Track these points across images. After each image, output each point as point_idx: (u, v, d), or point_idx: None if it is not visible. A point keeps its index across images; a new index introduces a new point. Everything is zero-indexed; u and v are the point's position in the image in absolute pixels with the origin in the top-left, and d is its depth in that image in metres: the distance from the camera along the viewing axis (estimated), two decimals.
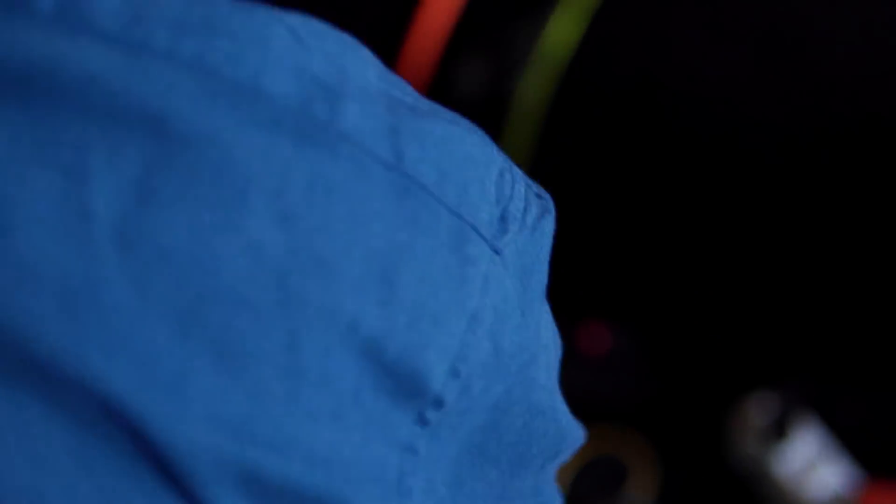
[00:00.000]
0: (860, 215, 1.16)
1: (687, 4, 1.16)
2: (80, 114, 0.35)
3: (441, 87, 1.12)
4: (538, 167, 1.09)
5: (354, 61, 0.40)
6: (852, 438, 1.17)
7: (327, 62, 0.39)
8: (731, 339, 1.17)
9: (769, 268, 1.21)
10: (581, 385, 1.25)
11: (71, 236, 0.34)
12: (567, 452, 0.48)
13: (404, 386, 0.39)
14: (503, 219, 0.41)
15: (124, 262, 0.35)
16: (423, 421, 0.39)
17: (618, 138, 1.21)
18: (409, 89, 0.41)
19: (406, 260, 0.39)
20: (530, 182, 0.44)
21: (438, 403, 0.39)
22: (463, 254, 0.39)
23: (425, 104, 0.41)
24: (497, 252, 0.40)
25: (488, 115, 1.09)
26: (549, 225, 0.44)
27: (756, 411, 1.17)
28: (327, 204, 0.37)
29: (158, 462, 0.36)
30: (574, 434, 0.48)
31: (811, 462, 1.18)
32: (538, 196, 0.43)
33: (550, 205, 0.44)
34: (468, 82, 1.12)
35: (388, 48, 1.09)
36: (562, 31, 1.12)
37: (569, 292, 1.16)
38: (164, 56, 0.37)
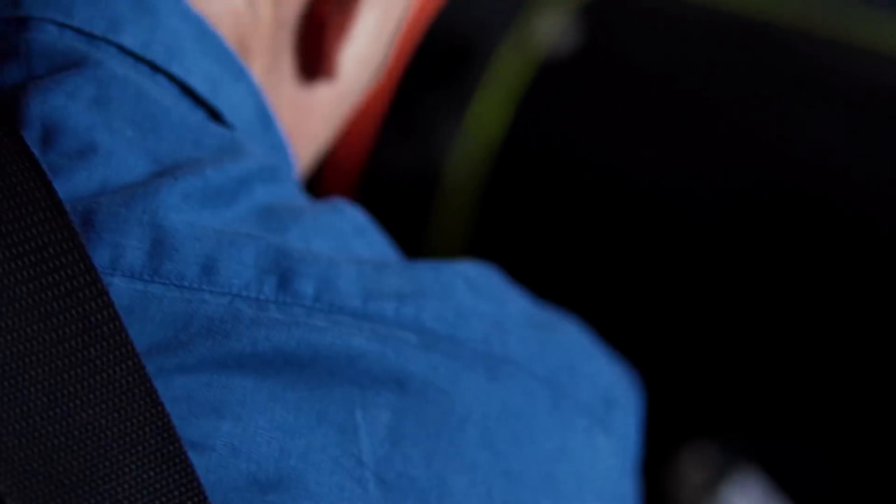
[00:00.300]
0: (794, 272, 1.20)
1: (616, 86, 1.23)
2: (345, 381, 0.45)
3: (373, 169, 1.18)
4: (474, 245, 1.14)
5: (509, 296, 0.51)
6: (794, 492, 1.17)
7: (494, 304, 0.50)
8: (667, 390, 1.19)
9: (706, 318, 1.23)
10: None
11: (351, 481, 0.44)
12: None
13: None
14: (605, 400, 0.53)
15: (386, 498, 0.44)
16: None
17: (552, 213, 1.26)
18: (538, 307, 0.53)
19: (563, 460, 0.49)
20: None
21: None
22: (595, 440, 0.51)
23: (544, 315, 0.53)
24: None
25: (419, 195, 1.15)
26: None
27: (693, 464, 1.17)
28: (515, 424, 0.48)
29: None
30: None
31: None
32: None
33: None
34: (397, 164, 1.17)
35: None
36: (489, 110, 1.17)
37: None
38: (394, 323, 0.47)
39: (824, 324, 1.22)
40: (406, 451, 0.46)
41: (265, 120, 0.52)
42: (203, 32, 0.49)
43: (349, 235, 0.49)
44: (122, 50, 0.47)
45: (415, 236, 1.14)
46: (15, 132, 0.43)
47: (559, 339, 0.52)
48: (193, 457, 0.41)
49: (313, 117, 0.57)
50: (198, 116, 0.48)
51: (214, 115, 0.49)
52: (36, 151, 0.43)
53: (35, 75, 0.46)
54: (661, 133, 1.25)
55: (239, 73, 0.50)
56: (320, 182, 1.13)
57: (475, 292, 0.50)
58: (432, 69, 1.21)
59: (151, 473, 0.41)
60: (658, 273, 1.23)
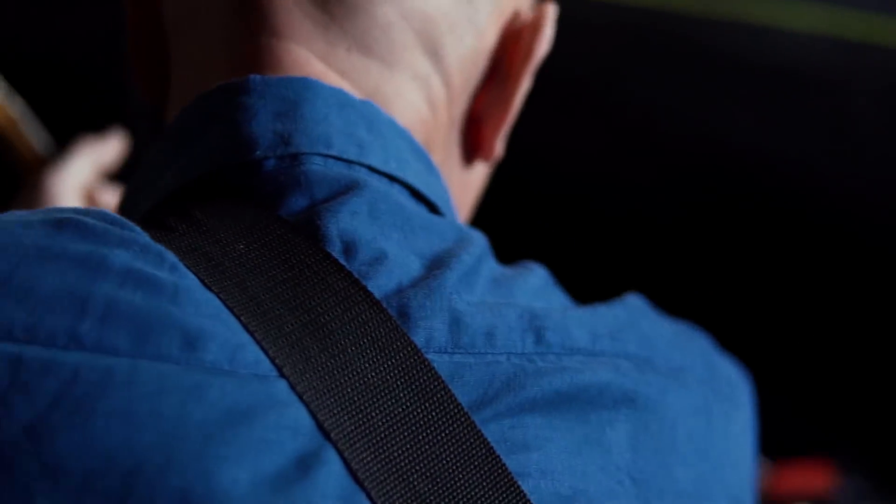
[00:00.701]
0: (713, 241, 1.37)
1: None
2: (597, 407, 0.58)
3: None
4: None
5: (659, 317, 0.66)
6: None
7: (659, 327, 0.65)
8: None
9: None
10: None
11: (615, 483, 0.57)
12: None
13: None
14: None
15: (638, 493, 0.57)
16: None
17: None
18: (671, 320, 0.69)
19: (727, 438, 0.65)
20: None
21: None
22: (733, 420, 0.67)
23: (679, 327, 0.68)
24: None
25: None
26: None
27: None
28: (700, 420, 0.63)
29: None
30: None
31: None
32: None
33: None
34: None
35: None
36: None
37: None
38: (613, 354, 0.60)
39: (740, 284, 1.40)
40: (643, 453, 0.59)
41: (450, 203, 0.64)
42: (410, 142, 0.61)
43: (547, 289, 0.62)
44: (371, 169, 0.59)
45: None
46: (323, 249, 0.56)
47: (697, 344, 0.67)
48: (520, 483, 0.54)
49: (470, 192, 0.71)
50: (423, 211, 0.60)
51: (432, 208, 0.62)
52: (343, 263, 0.56)
53: (317, 200, 0.57)
54: (570, 122, 1.42)
55: (432, 168, 0.63)
56: None
57: (647, 319, 0.65)
58: None
59: (495, 499, 0.53)
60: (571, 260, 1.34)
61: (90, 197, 1.01)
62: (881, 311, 1.29)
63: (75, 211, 0.55)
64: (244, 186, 0.58)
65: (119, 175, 1.06)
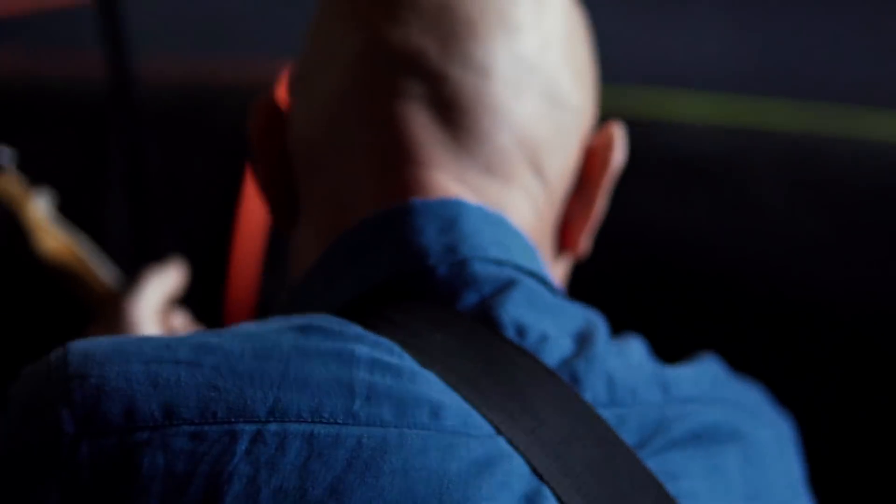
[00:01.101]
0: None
1: None
2: (716, 441, 0.74)
3: (261, 300, 1.45)
4: None
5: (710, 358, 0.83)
6: None
7: (715, 368, 0.82)
8: None
9: None
10: None
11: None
12: None
13: None
14: None
15: None
16: None
17: None
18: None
19: (781, 460, 0.81)
20: None
21: None
22: (781, 442, 0.84)
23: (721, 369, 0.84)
24: None
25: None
26: None
27: None
28: (768, 448, 0.79)
29: None
30: None
31: None
32: None
33: None
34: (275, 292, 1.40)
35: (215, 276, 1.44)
36: None
37: None
38: (709, 400, 0.76)
39: None
40: (749, 478, 0.74)
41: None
42: (523, 242, 0.77)
43: (649, 354, 0.78)
44: (516, 267, 0.74)
45: None
46: (501, 334, 0.71)
47: (759, 392, 0.84)
48: None
49: (562, 281, 0.85)
50: (556, 298, 0.75)
51: (551, 289, 0.76)
52: (519, 343, 0.71)
53: (486, 295, 0.72)
54: None
55: (540, 261, 0.78)
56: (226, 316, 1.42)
57: (726, 372, 0.82)
58: None
59: None
60: None
61: (164, 321, 1.09)
62: (789, 375, 1.33)
63: (308, 318, 0.69)
64: (420, 290, 0.72)
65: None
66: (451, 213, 0.75)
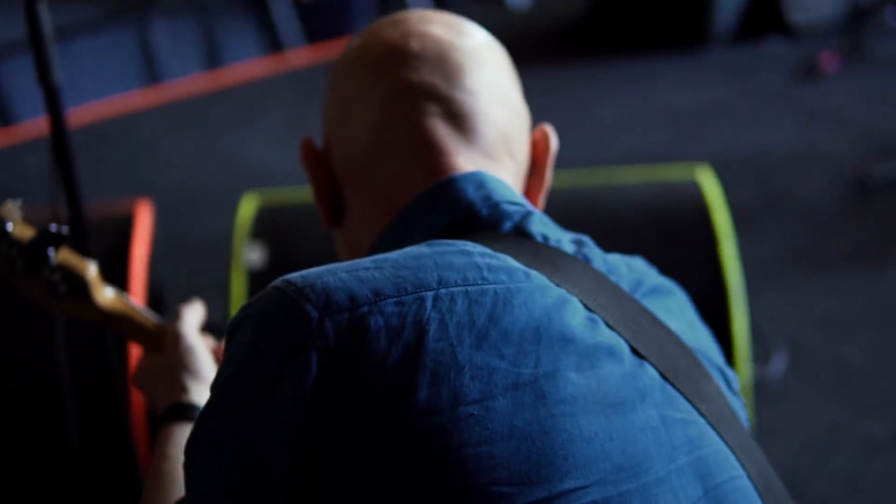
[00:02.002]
0: None
1: None
2: (666, 294, 1.17)
3: None
4: None
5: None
6: None
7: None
8: None
9: None
10: None
11: (695, 338, 1.17)
12: None
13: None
14: None
15: (694, 334, 1.18)
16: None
17: None
18: None
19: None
20: None
21: None
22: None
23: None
24: None
25: None
26: None
27: None
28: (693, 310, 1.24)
29: None
30: None
31: None
32: None
33: None
34: None
35: None
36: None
37: None
38: (652, 274, 1.22)
39: None
40: (685, 316, 1.20)
41: None
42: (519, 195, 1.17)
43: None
44: (523, 206, 1.13)
45: None
46: (537, 242, 1.09)
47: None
48: None
49: None
50: (547, 219, 1.14)
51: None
52: (544, 244, 1.10)
53: (516, 222, 1.11)
54: None
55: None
56: None
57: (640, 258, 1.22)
58: None
59: (661, 333, 1.10)
60: None
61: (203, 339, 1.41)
62: None
63: (423, 243, 1.06)
64: (472, 227, 1.11)
65: None
66: (478, 178, 1.14)
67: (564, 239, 1.12)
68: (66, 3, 6.50)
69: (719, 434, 1.05)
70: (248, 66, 4.88)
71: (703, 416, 1.05)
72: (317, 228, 2.61)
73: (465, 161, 1.15)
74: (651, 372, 1.04)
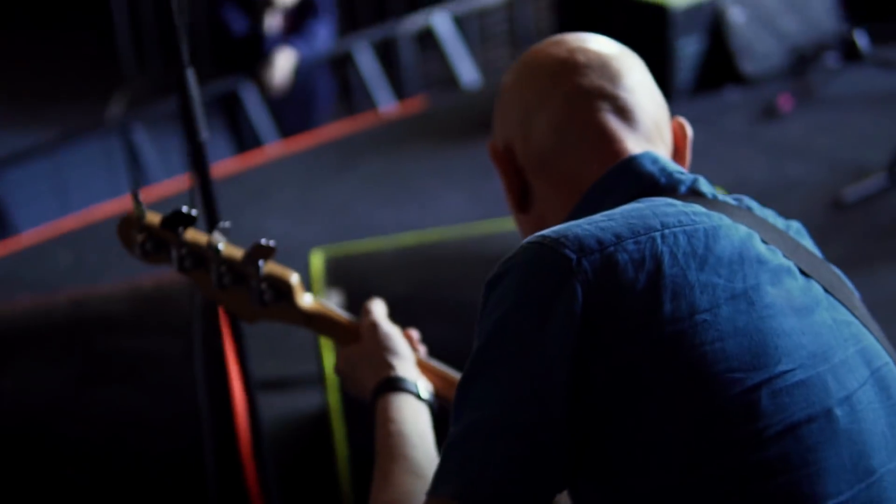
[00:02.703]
0: None
1: None
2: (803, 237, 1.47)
3: None
4: None
5: None
6: None
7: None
8: None
9: None
10: None
11: None
12: None
13: None
14: None
15: None
16: None
17: None
18: None
19: None
20: None
21: None
22: None
23: None
24: None
25: None
26: None
27: None
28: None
29: None
30: None
31: None
32: None
33: None
34: None
35: None
36: None
37: None
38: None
39: None
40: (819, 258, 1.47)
41: None
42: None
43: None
44: (686, 175, 1.43)
45: None
46: (707, 197, 1.39)
47: None
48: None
49: None
50: (706, 182, 1.44)
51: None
52: (714, 199, 1.40)
53: (689, 185, 1.40)
54: None
55: None
56: None
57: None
58: None
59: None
60: None
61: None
62: None
63: (629, 204, 1.36)
64: (656, 193, 1.38)
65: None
66: (651, 156, 1.42)
67: (728, 197, 1.41)
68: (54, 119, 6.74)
69: (870, 331, 1.33)
70: (224, 165, 5.12)
71: (857, 318, 1.33)
72: (379, 271, 2.89)
73: (633, 145, 1.43)
74: (817, 286, 1.33)
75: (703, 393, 1.21)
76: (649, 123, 1.45)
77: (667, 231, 1.29)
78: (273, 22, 5.22)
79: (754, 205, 1.42)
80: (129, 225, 1.66)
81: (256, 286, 1.64)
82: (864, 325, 1.34)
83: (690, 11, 4.99)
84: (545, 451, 1.23)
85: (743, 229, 1.32)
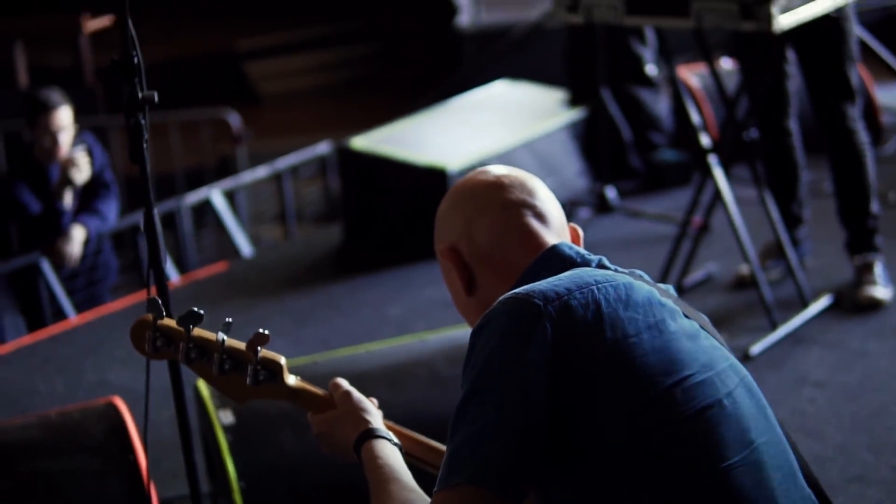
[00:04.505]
0: None
1: None
2: None
3: None
4: None
5: None
6: None
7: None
8: None
9: None
10: None
11: None
12: None
13: None
14: None
15: None
16: None
17: None
18: None
19: None
20: None
21: None
22: None
23: None
24: None
25: None
26: None
27: None
28: None
29: None
30: None
31: None
32: None
33: None
34: None
35: None
36: None
37: None
38: None
39: None
40: None
41: None
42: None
43: None
44: (590, 260, 2.02)
45: None
46: (611, 269, 1.99)
47: None
48: None
49: None
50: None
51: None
52: (616, 270, 2.00)
53: (596, 263, 1.99)
54: None
55: None
56: None
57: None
58: None
59: None
60: None
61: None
62: None
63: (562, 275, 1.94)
64: (575, 267, 1.96)
65: None
66: (566, 244, 2.01)
67: (624, 269, 1.97)
68: None
69: (732, 355, 1.92)
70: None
71: (722, 345, 1.92)
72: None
73: (551, 238, 2.00)
74: (695, 324, 1.94)
75: (638, 391, 1.78)
76: (557, 224, 2.03)
77: (599, 285, 1.87)
78: (68, 199, 5.56)
79: (644, 275, 1.97)
80: (143, 326, 2.09)
81: (254, 368, 2.09)
82: (729, 351, 1.93)
83: (465, 172, 5.56)
84: (531, 442, 1.76)
85: (645, 286, 1.92)
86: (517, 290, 1.86)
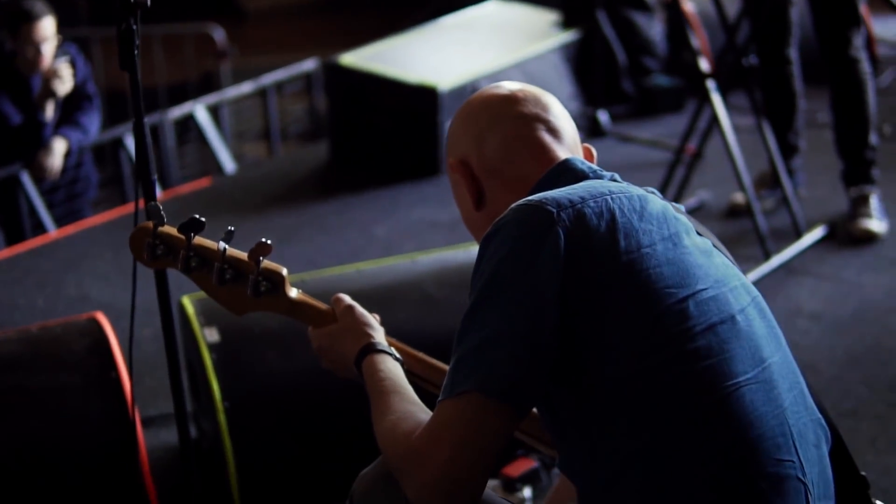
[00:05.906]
0: None
1: None
2: None
3: None
4: None
5: None
6: None
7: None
8: None
9: None
10: None
11: None
12: None
13: None
14: None
15: None
16: None
17: None
18: None
19: None
20: None
21: None
22: None
23: None
24: None
25: None
26: None
27: None
28: None
29: None
30: None
31: None
32: None
33: None
34: None
35: None
36: None
37: None
38: None
39: None
40: None
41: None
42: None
43: None
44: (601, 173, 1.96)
45: None
46: (620, 181, 1.93)
47: None
48: None
49: None
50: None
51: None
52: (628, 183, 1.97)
53: (608, 177, 1.93)
54: None
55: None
56: None
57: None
58: None
59: None
60: None
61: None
62: None
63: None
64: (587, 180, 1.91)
65: None
66: (578, 159, 1.95)
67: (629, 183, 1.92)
68: None
69: (744, 274, 1.85)
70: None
71: (734, 264, 1.84)
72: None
73: (563, 153, 1.95)
74: (709, 242, 1.83)
75: (651, 302, 1.71)
76: (571, 141, 1.98)
77: (614, 195, 1.80)
78: (50, 110, 5.44)
79: (657, 192, 1.90)
80: (143, 234, 1.99)
81: (255, 279, 2.01)
82: (741, 272, 1.86)
83: (456, 91, 5.51)
84: (540, 352, 1.69)
85: (659, 200, 1.85)
86: (529, 198, 1.79)
